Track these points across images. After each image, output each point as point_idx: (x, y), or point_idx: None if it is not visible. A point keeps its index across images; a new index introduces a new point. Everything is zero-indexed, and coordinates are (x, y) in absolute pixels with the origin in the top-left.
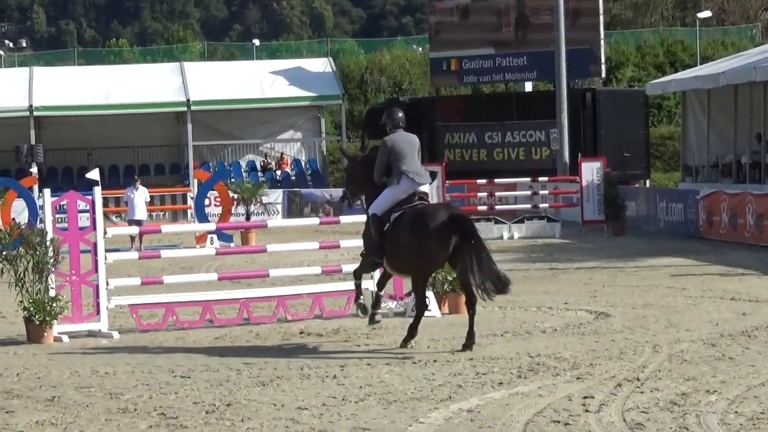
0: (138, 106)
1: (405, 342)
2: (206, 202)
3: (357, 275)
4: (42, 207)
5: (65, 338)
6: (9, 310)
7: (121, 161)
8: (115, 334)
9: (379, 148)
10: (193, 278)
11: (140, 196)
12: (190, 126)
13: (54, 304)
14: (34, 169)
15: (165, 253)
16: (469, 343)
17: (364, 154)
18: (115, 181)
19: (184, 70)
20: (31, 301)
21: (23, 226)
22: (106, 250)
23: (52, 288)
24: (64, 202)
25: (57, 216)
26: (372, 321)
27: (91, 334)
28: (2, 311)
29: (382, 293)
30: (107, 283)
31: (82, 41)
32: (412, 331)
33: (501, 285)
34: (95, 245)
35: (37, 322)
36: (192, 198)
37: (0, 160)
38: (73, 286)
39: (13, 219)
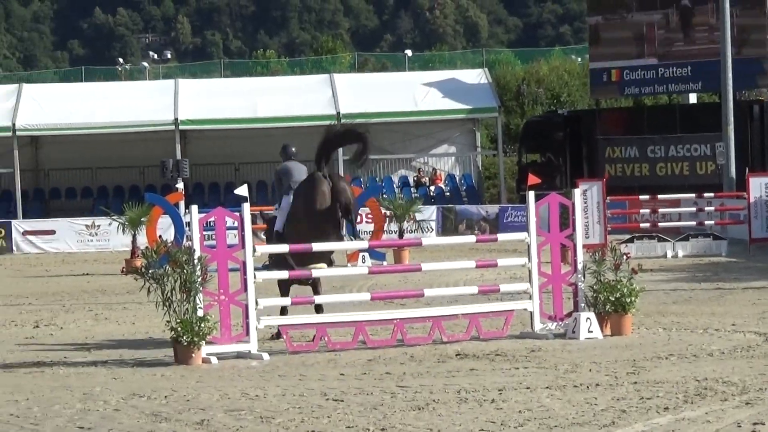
0: (286, 120)
1: None
2: (357, 219)
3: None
4: (189, 224)
5: (214, 360)
6: (156, 330)
7: (269, 177)
8: (265, 356)
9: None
10: (345, 298)
11: None
12: None
13: (202, 325)
14: (180, 185)
15: (316, 272)
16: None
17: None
18: (263, 197)
19: (334, 82)
20: (178, 321)
21: (170, 244)
22: (255, 269)
23: (200, 308)
24: (212, 219)
25: (204, 233)
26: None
27: (240, 355)
28: (149, 331)
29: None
30: (257, 303)
31: (228, 52)
32: None
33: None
34: (244, 263)
35: (185, 343)
36: None
37: (145, 176)
38: (221, 306)
39: (160, 236)
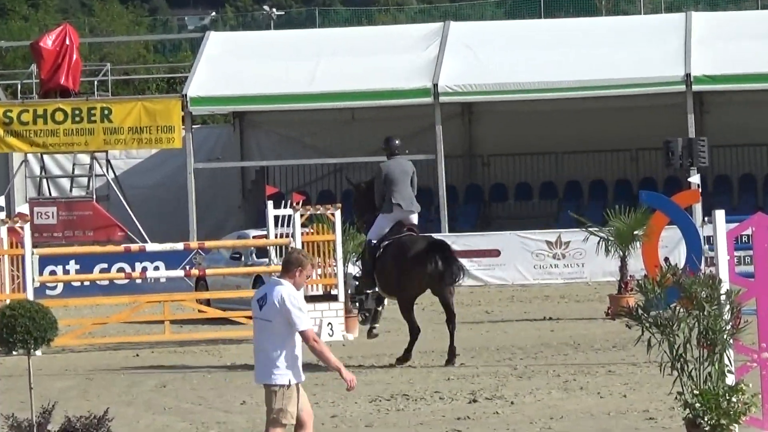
0: None
1: (399, 362)
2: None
3: (360, 292)
4: (710, 239)
5: None
6: (661, 406)
7: None
8: None
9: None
10: None
11: None
12: None
13: (734, 398)
14: (696, 179)
15: None
16: (451, 359)
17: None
18: None
19: None
20: (696, 392)
21: (681, 271)
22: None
23: (729, 371)
24: (748, 231)
25: (736, 254)
26: (370, 335)
27: None
28: (648, 409)
29: (380, 309)
30: None
31: None
32: (406, 354)
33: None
34: None
35: (707, 427)
36: None
37: (639, 164)
38: (763, 369)
39: (665, 259)
